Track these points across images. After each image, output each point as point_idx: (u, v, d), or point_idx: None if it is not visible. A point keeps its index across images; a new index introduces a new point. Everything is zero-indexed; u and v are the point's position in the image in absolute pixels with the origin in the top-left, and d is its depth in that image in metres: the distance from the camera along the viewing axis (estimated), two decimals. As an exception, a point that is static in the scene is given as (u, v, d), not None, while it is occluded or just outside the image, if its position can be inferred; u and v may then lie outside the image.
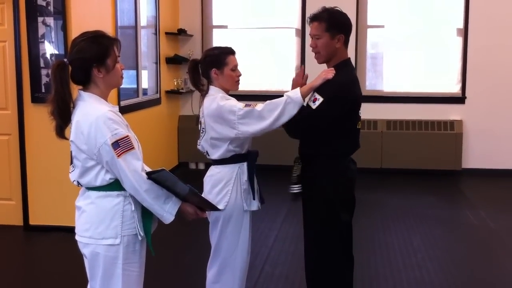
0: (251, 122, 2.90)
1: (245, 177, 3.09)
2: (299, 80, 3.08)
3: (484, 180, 7.22)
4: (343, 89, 2.87)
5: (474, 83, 7.40)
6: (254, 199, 3.12)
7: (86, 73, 2.34)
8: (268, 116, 2.87)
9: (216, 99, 3.00)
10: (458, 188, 6.90)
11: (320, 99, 2.82)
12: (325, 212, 2.95)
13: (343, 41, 2.94)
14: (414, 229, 5.27)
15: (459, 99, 7.48)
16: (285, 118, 2.87)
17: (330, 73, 2.86)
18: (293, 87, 3.05)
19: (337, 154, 2.96)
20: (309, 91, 2.90)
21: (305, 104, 2.88)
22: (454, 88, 7.54)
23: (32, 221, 5.17)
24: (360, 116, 3.03)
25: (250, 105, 2.92)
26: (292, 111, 2.86)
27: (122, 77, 2.45)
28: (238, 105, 2.93)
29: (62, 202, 4.90)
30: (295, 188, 3.00)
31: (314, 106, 2.84)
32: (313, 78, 2.93)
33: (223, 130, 2.97)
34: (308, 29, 3.11)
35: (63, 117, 2.33)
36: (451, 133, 7.33)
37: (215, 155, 3.08)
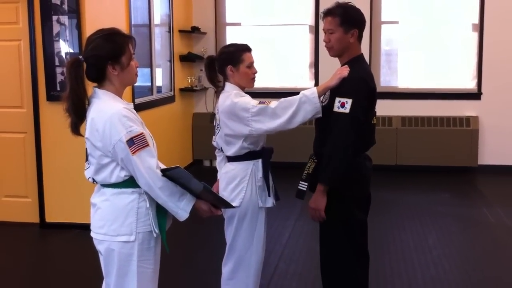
0: (265, 119, 2.89)
1: (260, 174, 3.08)
2: None
3: (500, 176, 7.15)
4: (361, 83, 2.84)
5: (490, 79, 7.33)
6: (269, 195, 3.12)
7: (101, 71, 2.34)
8: (282, 114, 2.86)
9: (230, 96, 3.00)
10: (474, 185, 6.84)
11: (349, 101, 2.77)
12: (340, 210, 2.93)
13: (357, 36, 2.93)
14: (429, 226, 5.23)
15: (474, 95, 7.41)
16: (300, 117, 2.85)
17: (345, 71, 2.84)
18: None
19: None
20: (325, 90, 2.86)
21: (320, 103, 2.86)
22: (469, 84, 7.46)
23: (48, 219, 5.20)
24: (375, 112, 3.01)
25: (264, 102, 2.91)
26: (307, 110, 2.83)
27: (136, 75, 2.45)
28: (252, 102, 2.92)
29: (78, 199, 4.92)
30: (302, 186, 2.99)
31: (346, 110, 2.76)
32: (327, 75, 2.91)
33: (236, 127, 2.97)
34: (321, 25, 3.10)
35: (78, 114, 2.33)
36: (467, 130, 7.26)
37: (229, 151, 3.08)
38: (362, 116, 2.80)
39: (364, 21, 2.99)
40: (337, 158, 2.78)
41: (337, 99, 2.79)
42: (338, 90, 2.83)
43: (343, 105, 2.78)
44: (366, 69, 2.99)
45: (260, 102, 2.92)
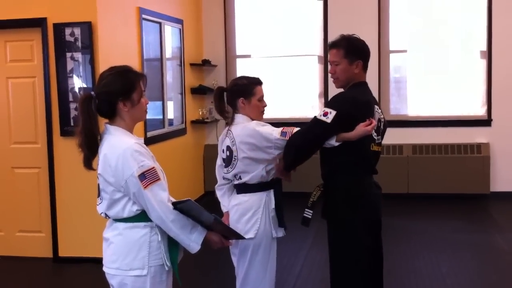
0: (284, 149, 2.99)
1: (272, 204, 3.11)
2: None
3: (513, 203, 7.10)
4: (350, 100, 2.95)
5: (500, 105, 7.33)
6: (282, 225, 3.14)
7: (112, 106, 2.40)
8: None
9: (250, 125, 3.05)
10: (487, 212, 6.79)
11: (333, 112, 2.85)
12: (343, 233, 2.95)
13: (362, 67, 3.01)
14: (442, 254, 5.19)
15: (485, 122, 7.41)
16: None
17: (370, 126, 2.89)
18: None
19: (351, 172, 2.96)
20: (343, 140, 2.90)
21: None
22: (479, 110, 7.47)
23: (62, 253, 5.23)
24: (374, 139, 3.02)
25: (286, 133, 2.96)
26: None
27: (146, 112, 2.51)
28: (275, 133, 2.99)
29: (91, 234, 4.94)
30: (307, 213, 3.03)
31: (328, 119, 2.85)
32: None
33: (258, 155, 3.02)
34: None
35: (90, 148, 2.39)
36: (478, 156, 7.24)
37: (247, 177, 3.09)
38: (339, 129, 2.87)
39: (368, 52, 3.06)
40: (292, 146, 2.91)
41: (323, 109, 2.92)
42: (328, 103, 2.98)
43: (326, 114, 2.86)
44: (358, 92, 3.02)
45: (282, 132, 2.97)
